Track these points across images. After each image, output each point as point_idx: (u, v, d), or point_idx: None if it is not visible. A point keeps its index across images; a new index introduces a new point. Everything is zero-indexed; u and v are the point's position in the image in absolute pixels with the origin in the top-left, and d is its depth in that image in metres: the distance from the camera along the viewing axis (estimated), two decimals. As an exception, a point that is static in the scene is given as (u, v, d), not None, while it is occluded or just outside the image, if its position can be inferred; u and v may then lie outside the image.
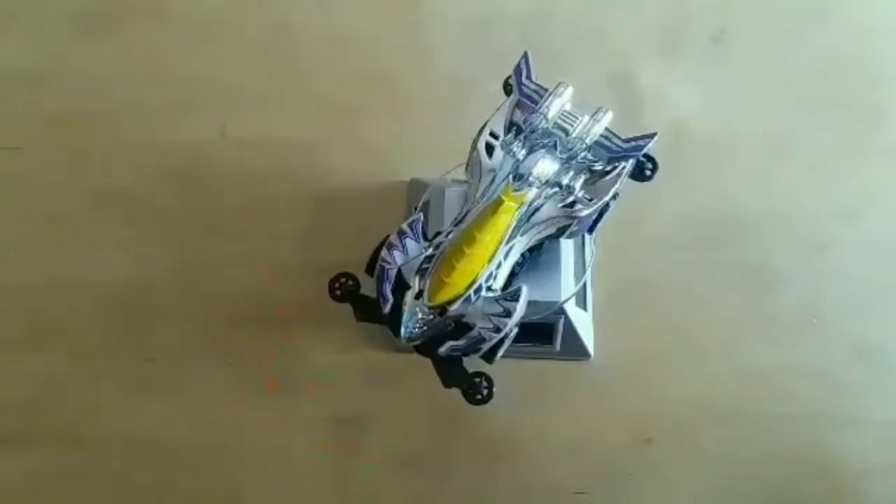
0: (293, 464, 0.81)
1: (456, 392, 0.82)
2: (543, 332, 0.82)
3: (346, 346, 0.85)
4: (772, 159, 0.97)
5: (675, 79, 1.01)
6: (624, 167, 0.72)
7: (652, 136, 0.73)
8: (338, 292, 0.72)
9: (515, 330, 0.71)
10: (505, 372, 0.84)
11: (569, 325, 0.81)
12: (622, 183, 0.73)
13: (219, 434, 0.82)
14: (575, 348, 0.84)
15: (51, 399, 0.83)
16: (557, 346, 0.83)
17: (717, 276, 0.90)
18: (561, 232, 0.74)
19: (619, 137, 0.73)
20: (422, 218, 0.72)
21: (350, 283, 0.72)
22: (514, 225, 0.71)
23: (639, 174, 0.75)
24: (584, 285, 0.86)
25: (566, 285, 0.77)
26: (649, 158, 0.74)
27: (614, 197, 0.73)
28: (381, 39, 1.03)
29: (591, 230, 0.75)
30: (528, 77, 0.76)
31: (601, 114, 0.73)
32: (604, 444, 0.82)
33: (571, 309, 0.80)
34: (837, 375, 0.86)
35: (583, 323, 0.84)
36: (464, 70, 1.01)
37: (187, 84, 0.99)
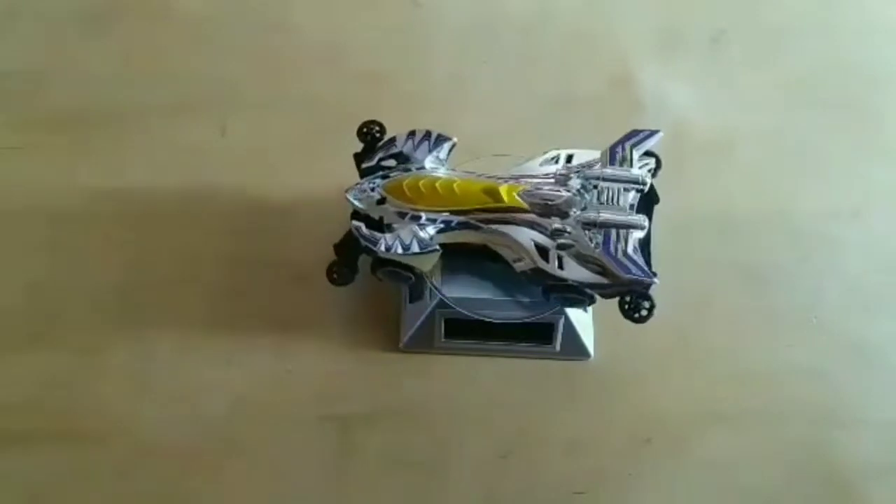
0: (293, 464, 0.81)
1: (457, 393, 0.82)
2: (543, 332, 0.82)
3: (346, 346, 0.85)
4: (772, 159, 0.97)
5: (675, 79, 1.01)
6: (610, 281, 0.71)
7: (649, 280, 0.71)
8: (364, 130, 0.80)
9: (412, 278, 0.77)
10: (505, 371, 0.85)
11: (569, 325, 0.81)
12: (602, 295, 0.74)
13: (219, 434, 0.82)
14: (575, 348, 0.84)
15: (51, 399, 0.83)
16: (557, 346, 0.83)
17: (717, 276, 0.90)
18: (515, 262, 0.74)
19: (625, 248, 0.71)
20: (453, 143, 0.77)
21: (377, 131, 0.80)
22: (486, 210, 0.73)
23: (631, 311, 0.73)
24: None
25: (566, 285, 0.77)
26: (651, 306, 0.73)
27: (586, 294, 0.73)
28: (381, 39, 1.03)
29: (545, 293, 0.75)
30: (633, 146, 0.75)
31: (635, 220, 0.71)
32: (604, 444, 0.82)
33: (571, 309, 0.80)
34: (837, 375, 0.86)
35: (583, 323, 0.83)
36: (464, 70, 1.01)
37: (187, 84, 0.99)
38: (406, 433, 0.82)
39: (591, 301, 0.76)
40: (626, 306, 0.73)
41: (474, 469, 0.81)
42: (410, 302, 0.83)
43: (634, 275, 0.71)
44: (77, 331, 0.86)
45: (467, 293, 0.79)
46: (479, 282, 0.79)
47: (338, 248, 0.79)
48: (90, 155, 0.95)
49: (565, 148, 0.78)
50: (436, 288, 0.79)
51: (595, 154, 0.76)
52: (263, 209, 0.92)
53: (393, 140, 0.78)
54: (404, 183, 0.74)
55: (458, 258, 0.79)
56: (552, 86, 1.00)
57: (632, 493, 0.81)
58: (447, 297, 0.78)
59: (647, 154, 0.77)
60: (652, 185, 0.75)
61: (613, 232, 0.71)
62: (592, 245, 0.71)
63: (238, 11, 1.04)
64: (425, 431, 0.82)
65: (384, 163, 0.77)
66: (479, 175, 0.76)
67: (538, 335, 0.82)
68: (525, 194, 0.73)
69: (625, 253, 0.71)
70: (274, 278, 0.88)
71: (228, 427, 0.82)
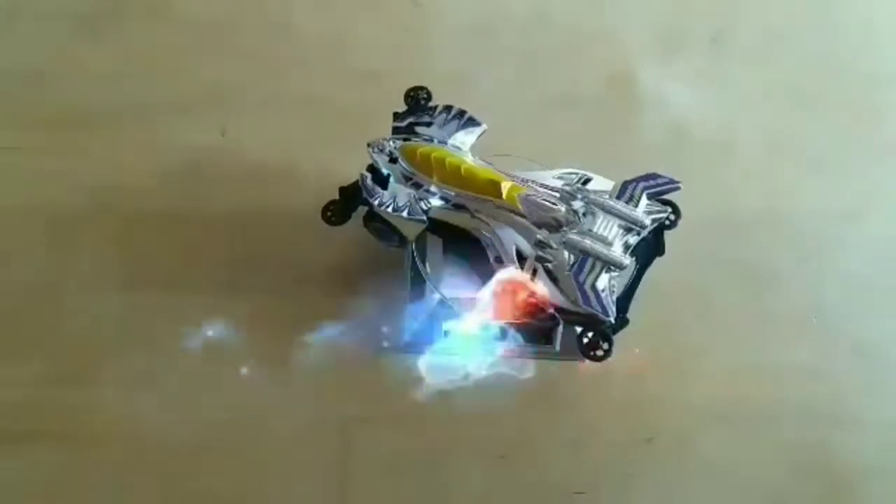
0: (293, 464, 0.81)
1: (457, 393, 0.82)
2: (543, 332, 0.82)
3: (346, 346, 0.85)
4: (772, 159, 0.97)
5: (675, 79, 1.01)
6: (570, 307, 0.71)
7: (603, 318, 0.70)
8: (412, 94, 0.83)
9: (396, 240, 0.79)
10: (505, 371, 0.85)
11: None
12: (563, 320, 0.73)
13: (219, 434, 0.82)
14: (575, 348, 0.84)
15: (51, 399, 0.83)
16: (557, 346, 0.83)
17: (717, 276, 0.90)
18: (496, 261, 0.75)
19: (594, 280, 0.70)
20: (483, 129, 0.80)
21: (423, 97, 0.83)
22: (483, 200, 0.74)
23: (587, 348, 0.72)
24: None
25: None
26: (609, 347, 0.71)
27: (553, 317, 0.73)
28: (381, 39, 1.03)
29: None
30: (646, 189, 0.75)
31: (616, 258, 0.71)
32: (604, 444, 0.82)
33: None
34: (837, 375, 0.86)
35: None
36: (464, 70, 1.01)
37: (187, 84, 0.99)
38: (406, 433, 0.82)
39: (554, 323, 0.75)
40: (585, 340, 0.73)
41: (474, 469, 0.81)
42: (410, 302, 0.83)
43: (592, 308, 0.70)
44: (77, 331, 0.86)
45: (467, 293, 0.79)
46: (480, 282, 0.79)
47: (343, 190, 0.81)
48: (90, 155, 0.95)
49: (584, 166, 0.78)
50: (436, 287, 0.79)
51: (610, 182, 0.76)
52: (264, 209, 0.92)
53: (430, 109, 0.81)
54: (419, 150, 0.77)
55: (459, 257, 0.79)
56: (552, 86, 1.00)
57: (632, 493, 0.81)
58: (447, 297, 0.78)
59: (668, 203, 0.76)
60: (662, 236, 0.75)
61: (590, 261, 0.71)
62: (567, 267, 0.71)
63: (238, 11, 1.04)
64: (425, 432, 0.82)
65: (416, 128, 0.80)
66: (493, 167, 0.76)
67: (538, 335, 0.82)
68: (525, 198, 0.73)
69: (592, 285, 0.70)
70: (274, 278, 0.88)
71: (228, 428, 0.82)
